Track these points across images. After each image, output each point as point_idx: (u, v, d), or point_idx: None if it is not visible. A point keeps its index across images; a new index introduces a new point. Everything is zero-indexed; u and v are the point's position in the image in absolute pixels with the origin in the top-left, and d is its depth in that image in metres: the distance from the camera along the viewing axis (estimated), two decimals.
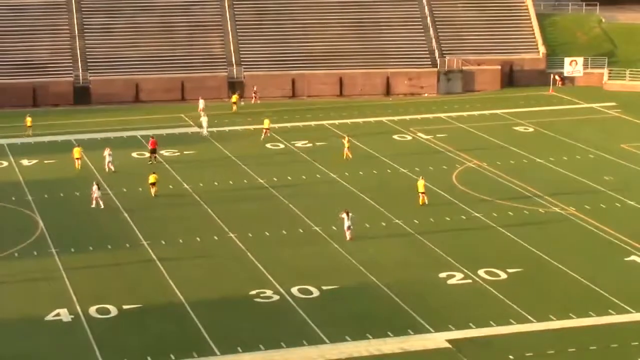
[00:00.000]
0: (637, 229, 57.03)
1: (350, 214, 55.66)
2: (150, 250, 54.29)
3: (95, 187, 61.64)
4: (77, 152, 70.01)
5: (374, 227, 57.92)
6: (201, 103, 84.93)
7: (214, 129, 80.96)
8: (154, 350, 42.70)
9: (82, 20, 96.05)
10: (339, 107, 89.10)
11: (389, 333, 44.18)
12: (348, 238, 55.50)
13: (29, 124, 79.37)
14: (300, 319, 45.88)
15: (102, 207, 61.23)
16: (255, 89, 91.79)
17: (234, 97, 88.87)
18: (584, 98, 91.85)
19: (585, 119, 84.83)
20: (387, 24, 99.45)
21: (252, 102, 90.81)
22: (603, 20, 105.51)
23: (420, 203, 61.22)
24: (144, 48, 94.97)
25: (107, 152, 69.57)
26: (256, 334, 44.16)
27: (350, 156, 71.55)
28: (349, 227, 55.44)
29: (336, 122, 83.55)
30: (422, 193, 61.25)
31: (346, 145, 72.02)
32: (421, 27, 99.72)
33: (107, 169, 68.85)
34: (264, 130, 77.72)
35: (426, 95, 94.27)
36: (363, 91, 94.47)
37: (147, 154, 71.51)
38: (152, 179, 63.66)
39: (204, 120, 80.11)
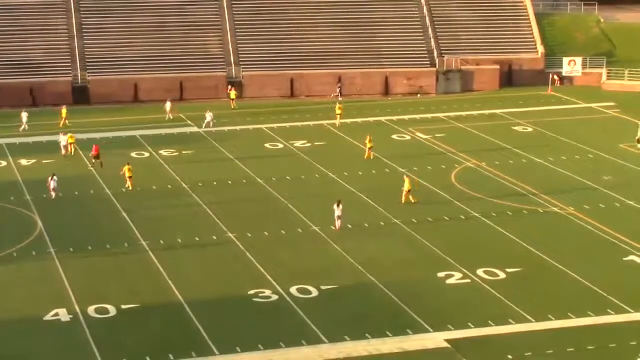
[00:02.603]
0: (636, 228, 57.05)
1: (341, 205, 56.74)
2: (149, 250, 54.26)
3: (50, 179, 63.04)
4: (71, 137, 73.14)
5: (372, 226, 57.94)
6: (168, 106, 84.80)
7: (213, 129, 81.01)
8: (153, 350, 42.69)
9: (81, 20, 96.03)
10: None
11: (388, 333, 44.18)
12: (337, 227, 56.73)
13: (64, 114, 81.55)
14: (299, 318, 45.87)
15: (53, 197, 62.68)
16: (339, 85, 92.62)
17: (232, 94, 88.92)
18: (583, 98, 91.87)
19: (584, 119, 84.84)
20: (385, 24, 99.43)
21: (335, 97, 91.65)
22: (601, 20, 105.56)
23: (403, 201, 61.22)
24: (142, 48, 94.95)
25: (60, 136, 73.71)
26: (255, 334, 44.15)
27: (371, 156, 71.48)
28: (338, 217, 56.70)
29: (335, 122, 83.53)
30: (408, 191, 61.27)
31: (368, 145, 71.91)
32: (420, 26, 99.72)
33: (63, 153, 72.37)
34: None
35: (419, 96, 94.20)
36: (361, 91, 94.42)
37: (93, 159, 69.93)
38: (128, 171, 64.25)
39: (208, 115, 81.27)
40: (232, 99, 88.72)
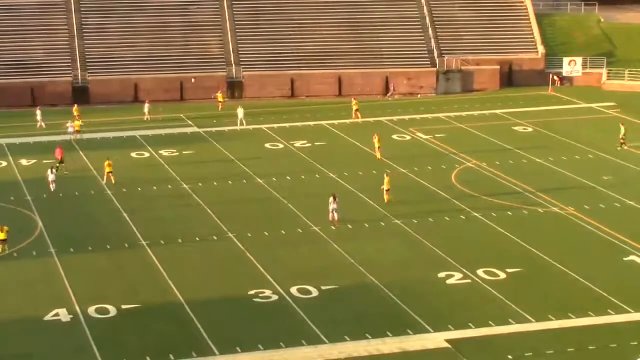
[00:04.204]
0: (636, 228, 57.03)
1: (337, 199, 57.68)
2: (149, 250, 54.27)
3: (49, 171, 64.64)
4: (77, 125, 78.24)
5: (372, 226, 57.93)
6: (146, 107, 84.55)
7: (213, 129, 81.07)
8: (153, 350, 42.69)
9: (81, 20, 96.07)
10: (338, 107, 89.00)
11: (388, 333, 44.18)
12: (334, 220, 57.65)
13: (76, 112, 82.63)
14: (299, 318, 45.88)
15: (53, 189, 64.03)
16: (393, 84, 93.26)
17: (220, 97, 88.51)
18: (583, 98, 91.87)
19: (584, 119, 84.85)
20: (386, 24, 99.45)
21: (390, 97, 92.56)
22: (602, 20, 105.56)
23: (386, 201, 61.36)
24: (142, 48, 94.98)
25: (69, 123, 78.10)
26: (255, 334, 44.15)
27: (379, 156, 71.51)
28: (334, 210, 57.58)
29: (335, 122, 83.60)
30: (387, 190, 61.37)
31: (377, 144, 71.91)
32: (420, 26, 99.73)
33: (71, 138, 76.74)
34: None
35: (419, 96, 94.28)
36: (362, 91, 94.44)
37: (57, 164, 68.91)
38: (108, 167, 65.80)
39: (240, 112, 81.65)
40: (220, 102, 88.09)
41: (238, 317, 46.01)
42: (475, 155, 72.62)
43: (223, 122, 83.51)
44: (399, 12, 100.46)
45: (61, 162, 69.07)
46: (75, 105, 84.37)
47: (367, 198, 62.83)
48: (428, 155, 73.45)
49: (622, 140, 74.15)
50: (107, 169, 65.98)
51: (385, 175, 62.55)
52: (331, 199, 57.96)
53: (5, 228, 54.21)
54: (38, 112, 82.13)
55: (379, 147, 71.84)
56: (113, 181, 65.41)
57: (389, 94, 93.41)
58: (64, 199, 63.26)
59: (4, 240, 53.93)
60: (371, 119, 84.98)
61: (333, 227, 57.28)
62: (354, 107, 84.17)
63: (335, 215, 57.77)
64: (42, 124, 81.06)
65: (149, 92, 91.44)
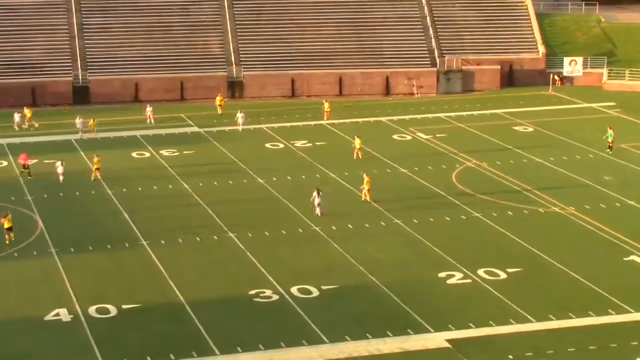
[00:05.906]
0: (637, 228, 57.02)
1: (320, 193, 58.84)
2: (149, 250, 54.27)
3: (58, 163, 66.30)
4: (93, 122, 79.42)
5: (373, 226, 57.93)
6: (149, 110, 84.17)
7: (214, 129, 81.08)
8: (154, 350, 42.69)
9: (82, 20, 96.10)
10: (339, 106, 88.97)
11: (389, 333, 44.17)
12: (319, 214, 58.77)
13: (28, 114, 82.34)
14: (299, 318, 45.87)
15: (61, 182, 65.68)
16: (414, 83, 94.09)
17: (218, 99, 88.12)
18: (584, 98, 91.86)
19: (585, 119, 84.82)
20: (386, 24, 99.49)
21: (418, 96, 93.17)
22: (602, 20, 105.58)
23: (362, 199, 61.67)
24: (143, 48, 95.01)
25: (78, 120, 78.86)
26: (256, 334, 44.15)
27: (361, 157, 71.50)
28: (318, 204, 58.69)
29: (335, 121, 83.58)
30: (368, 190, 61.63)
31: (357, 145, 71.89)
32: (421, 26, 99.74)
33: (80, 135, 78.16)
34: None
35: (419, 95, 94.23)
36: (362, 91, 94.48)
37: (22, 169, 68.70)
38: (97, 163, 66.74)
39: (240, 116, 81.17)
40: (219, 105, 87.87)
41: (238, 317, 46.01)
42: (476, 155, 72.62)
43: (224, 122, 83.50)
44: (399, 12, 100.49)
45: (25, 167, 68.30)
46: (25, 107, 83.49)
47: (367, 198, 62.78)
48: (429, 155, 73.44)
49: (610, 144, 73.84)
50: (95, 165, 66.67)
51: (364, 176, 62.49)
52: (315, 193, 58.70)
53: (9, 216, 54.87)
54: (16, 115, 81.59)
55: (359, 149, 71.74)
56: (95, 177, 66.45)
57: (417, 93, 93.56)
58: (64, 199, 63.28)
59: (9, 229, 54.16)
60: (371, 119, 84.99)
61: (334, 227, 57.22)
62: (327, 109, 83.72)
63: (318, 209, 58.78)
64: (16, 127, 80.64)
65: (150, 92, 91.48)
